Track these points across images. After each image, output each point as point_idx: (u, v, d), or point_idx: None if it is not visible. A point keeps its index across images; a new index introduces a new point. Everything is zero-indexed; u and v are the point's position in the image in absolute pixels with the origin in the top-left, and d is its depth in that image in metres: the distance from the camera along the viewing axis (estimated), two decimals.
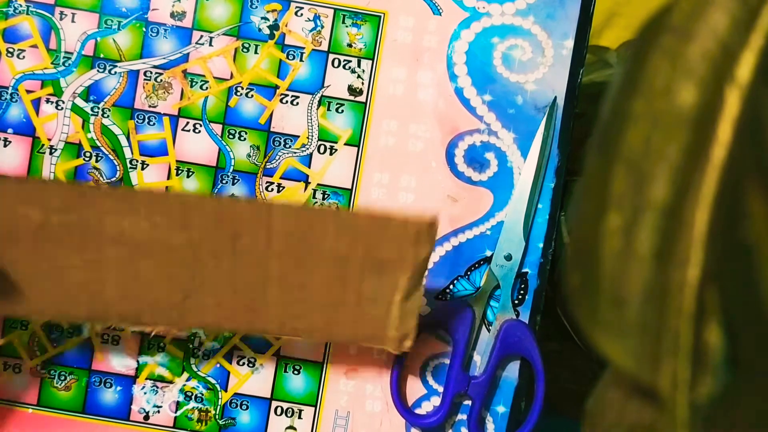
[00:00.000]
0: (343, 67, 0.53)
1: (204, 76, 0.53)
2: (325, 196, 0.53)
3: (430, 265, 0.54)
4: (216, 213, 0.47)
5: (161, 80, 0.53)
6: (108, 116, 0.53)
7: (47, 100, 0.53)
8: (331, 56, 0.53)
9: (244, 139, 0.53)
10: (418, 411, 0.54)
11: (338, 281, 0.48)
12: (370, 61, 0.53)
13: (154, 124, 0.53)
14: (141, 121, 0.53)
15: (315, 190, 0.53)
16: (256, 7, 0.53)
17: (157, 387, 0.53)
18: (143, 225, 0.46)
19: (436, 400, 0.54)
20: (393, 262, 0.48)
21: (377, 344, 0.50)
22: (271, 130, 0.53)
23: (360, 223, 0.48)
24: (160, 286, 0.48)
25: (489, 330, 0.53)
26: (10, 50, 0.53)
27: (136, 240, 0.47)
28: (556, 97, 0.53)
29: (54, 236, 0.47)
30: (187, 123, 0.53)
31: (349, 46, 0.53)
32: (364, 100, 0.53)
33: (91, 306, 0.48)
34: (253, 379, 0.53)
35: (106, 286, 0.48)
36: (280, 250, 0.47)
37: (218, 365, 0.53)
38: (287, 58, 0.53)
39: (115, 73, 0.53)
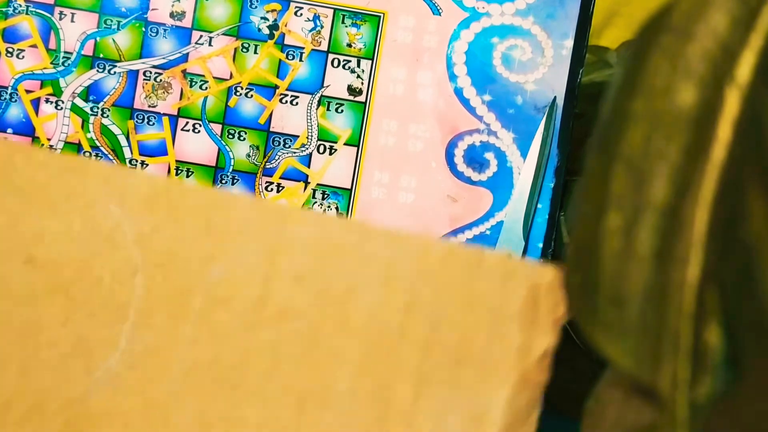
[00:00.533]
0: (343, 67, 0.53)
1: (203, 76, 0.53)
2: (325, 196, 0.53)
3: None
4: (197, 208, 0.32)
5: (161, 80, 0.53)
6: (107, 116, 0.53)
7: (47, 100, 0.53)
8: (331, 56, 0.53)
9: (244, 139, 0.53)
10: None
11: (376, 392, 0.29)
12: (370, 61, 0.53)
13: (153, 124, 0.53)
14: (140, 121, 0.53)
15: (315, 190, 0.53)
16: (256, 7, 0.53)
17: None
18: (74, 226, 0.32)
19: None
20: (481, 356, 0.29)
21: None
22: (271, 130, 0.53)
23: (430, 261, 0.30)
24: (57, 358, 0.31)
25: None
26: (10, 50, 0.53)
27: (50, 257, 0.32)
28: (555, 97, 0.53)
29: None
30: (187, 123, 0.53)
31: (349, 46, 0.53)
32: (363, 100, 0.53)
33: None
34: None
35: None
36: (283, 306, 0.30)
37: None
38: (287, 58, 0.53)
39: (115, 73, 0.53)
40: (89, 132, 0.53)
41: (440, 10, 0.53)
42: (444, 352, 0.29)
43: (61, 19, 0.53)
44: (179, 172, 0.53)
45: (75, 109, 0.53)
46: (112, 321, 0.30)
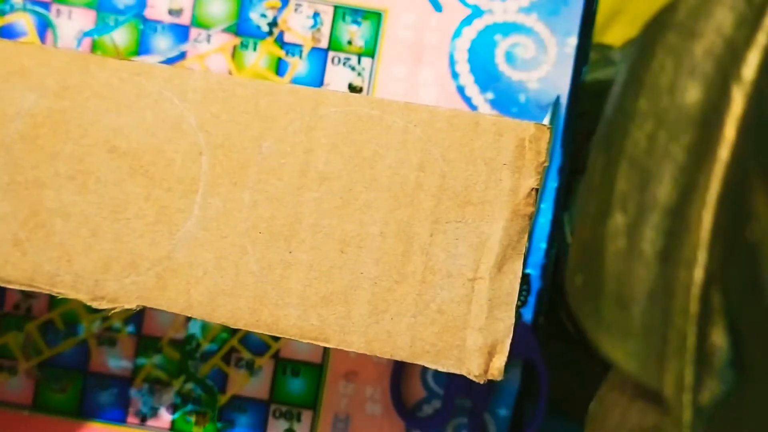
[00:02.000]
0: (343, 64, 0.52)
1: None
2: None
3: None
4: (246, 99, 0.39)
5: None
6: None
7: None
8: (331, 54, 0.52)
9: None
10: (418, 414, 0.53)
11: (400, 233, 0.37)
12: (371, 59, 0.52)
13: None
14: None
15: None
16: (255, 3, 0.52)
17: (154, 389, 0.53)
18: (146, 117, 0.39)
19: (436, 403, 0.53)
20: (481, 197, 0.37)
21: (448, 363, 0.37)
22: None
23: (437, 127, 0.37)
24: (144, 227, 0.39)
25: None
26: None
27: (130, 145, 0.39)
28: (559, 96, 0.53)
29: (28, 131, 0.39)
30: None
31: (349, 43, 0.52)
32: None
33: (41, 254, 0.39)
34: (252, 381, 0.53)
35: (72, 222, 0.39)
36: (323, 172, 0.38)
37: (216, 367, 0.53)
38: (286, 55, 0.52)
39: None
40: None
41: (442, 7, 0.53)
42: (452, 197, 0.37)
43: (58, 16, 0.52)
44: None
45: None
46: (186, 193, 0.38)
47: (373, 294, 0.37)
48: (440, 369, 0.38)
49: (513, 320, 0.37)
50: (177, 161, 0.38)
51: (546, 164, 0.37)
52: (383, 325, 0.37)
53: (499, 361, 0.37)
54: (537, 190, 0.37)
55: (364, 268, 0.38)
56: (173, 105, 0.38)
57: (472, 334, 0.37)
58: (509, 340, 0.37)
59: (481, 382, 0.37)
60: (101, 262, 0.39)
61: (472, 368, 0.37)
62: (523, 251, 0.37)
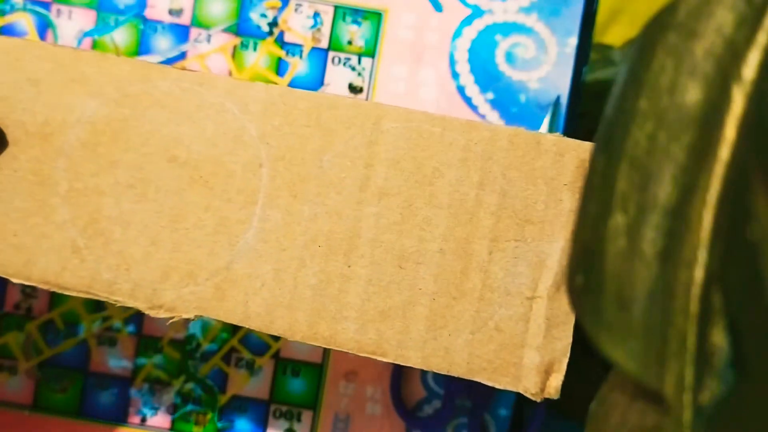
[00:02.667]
0: (343, 64, 0.52)
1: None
2: None
3: None
4: (308, 113, 0.39)
5: None
6: None
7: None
8: (331, 54, 0.52)
9: None
10: (418, 414, 0.53)
11: (459, 250, 0.37)
12: (371, 59, 0.52)
13: None
14: None
15: None
16: (255, 3, 0.52)
17: (154, 389, 0.53)
18: (207, 129, 0.39)
19: (437, 403, 0.53)
20: (540, 216, 0.37)
21: (504, 381, 0.37)
22: None
23: (498, 145, 0.38)
24: (203, 237, 0.39)
25: None
26: None
27: (190, 156, 0.39)
28: (559, 96, 0.53)
29: (88, 139, 0.39)
30: None
31: (350, 43, 0.52)
32: (364, 98, 0.53)
33: (100, 262, 0.39)
34: (252, 381, 0.53)
35: (131, 230, 0.39)
36: (382, 187, 0.38)
37: (216, 367, 0.53)
38: (286, 55, 0.52)
39: None
40: None
41: (442, 7, 0.53)
42: (512, 216, 0.37)
43: (58, 16, 0.52)
44: None
45: None
46: (245, 204, 0.38)
47: (431, 310, 0.37)
48: (497, 386, 0.38)
49: (570, 339, 0.37)
50: (237, 172, 0.38)
51: None
52: (441, 342, 0.37)
53: (557, 380, 0.37)
54: None
55: (423, 284, 0.37)
56: (234, 116, 0.38)
57: (530, 352, 0.37)
58: (566, 359, 0.37)
59: (538, 401, 0.38)
60: (160, 271, 0.39)
61: (529, 386, 0.37)
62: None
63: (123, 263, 0.39)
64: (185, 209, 0.38)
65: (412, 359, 0.37)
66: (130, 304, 0.39)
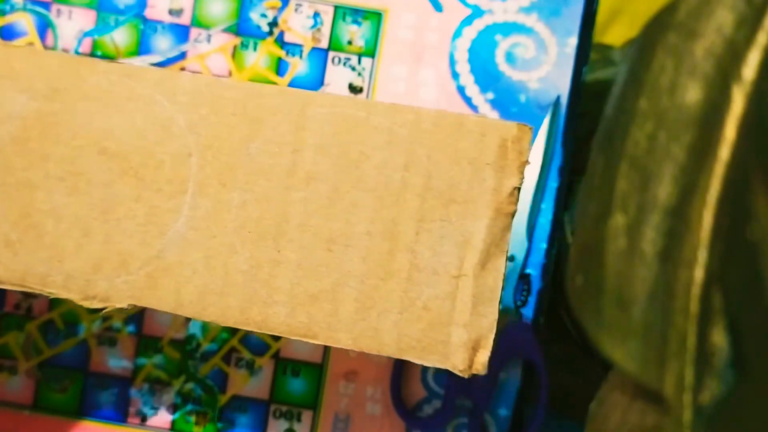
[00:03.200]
0: (344, 64, 0.52)
1: (202, 73, 0.52)
2: None
3: None
4: (234, 101, 0.39)
5: None
6: None
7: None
8: (331, 54, 0.52)
9: None
10: (418, 414, 0.53)
11: (385, 232, 0.38)
12: (371, 59, 0.52)
13: None
14: None
15: None
16: (255, 3, 0.52)
17: (154, 389, 0.53)
18: (136, 120, 0.39)
19: (437, 403, 0.53)
20: (465, 196, 0.37)
21: (433, 359, 0.38)
22: None
23: (422, 128, 0.38)
24: (134, 227, 0.39)
25: None
26: None
27: (120, 147, 0.39)
28: (559, 96, 0.53)
29: (18, 133, 0.40)
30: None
31: (350, 43, 0.52)
32: (364, 98, 0.52)
33: (32, 255, 0.39)
34: (252, 381, 0.53)
35: (63, 223, 0.39)
36: (310, 172, 0.38)
37: (216, 367, 0.53)
38: (286, 55, 0.52)
39: None
40: None
41: (442, 7, 0.53)
42: (437, 196, 0.37)
43: (58, 16, 0.52)
44: None
45: None
46: (175, 194, 0.39)
47: (359, 292, 0.38)
48: (426, 364, 0.38)
49: (496, 316, 0.37)
50: (166, 163, 0.39)
51: (528, 163, 0.38)
52: (370, 322, 0.38)
53: (483, 356, 0.37)
54: (519, 188, 0.38)
55: (351, 266, 0.38)
56: (163, 107, 0.39)
57: (457, 330, 0.37)
58: (493, 336, 0.37)
59: (466, 377, 0.38)
60: (92, 262, 0.39)
61: (457, 363, 0.37)
62: (507, 249, 0.38)
63: (56, 255, 0.39)
64: (116, 200, 0.39)
65: (343, 340, 0.38)
66: (64, 295, 0.39)
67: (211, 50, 0.52)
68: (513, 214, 0.38)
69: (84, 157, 0.39)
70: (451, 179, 0.37)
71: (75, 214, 0.39)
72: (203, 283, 0.39)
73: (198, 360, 0.53)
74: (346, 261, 0.38)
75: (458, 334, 0.37)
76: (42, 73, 0.39)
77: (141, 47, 0.52)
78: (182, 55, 0.52)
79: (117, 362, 0.53)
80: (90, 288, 0.39)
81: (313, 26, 0.52)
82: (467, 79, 0.53)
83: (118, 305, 0.39)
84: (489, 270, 0.37)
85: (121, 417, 0.53)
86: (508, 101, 0.53)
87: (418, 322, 0.37)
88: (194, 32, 0.52)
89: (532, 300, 0.53)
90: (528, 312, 0.53)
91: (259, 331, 0.39)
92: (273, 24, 0.52)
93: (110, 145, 0.39)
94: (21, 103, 0.39)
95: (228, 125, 0.39)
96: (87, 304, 0.39)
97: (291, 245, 0.38)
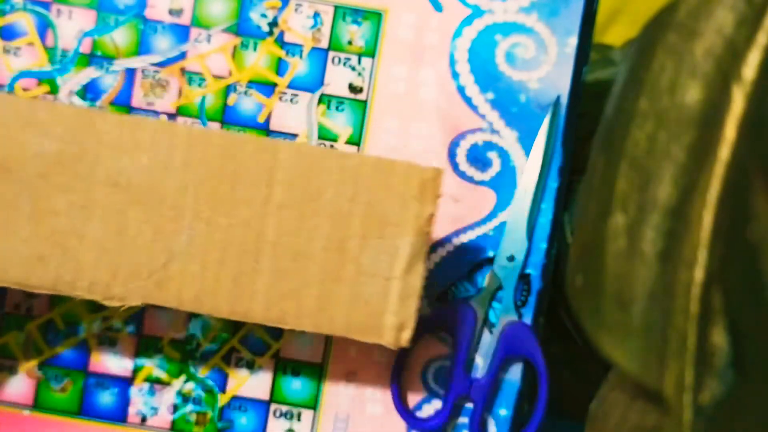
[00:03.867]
0: (344, 64, 0.52)
1: (202, 73, 0.52)
2: None
3: (431, 266, 0.53)
4: (221, 147, 0.48)
5: (159, 78, 0.53)
6: None
7: (43, 99, 0.53)
8: (331, 54, 0.52)
9: None
10: (419, 414, 0.53)
11: (337, 247, 0.48)
12: (371, 59, 0.52)
13: None
14: None
15: None
16: (255, 3, 0.52)
17: (155, 389, 0.53)
18: (142, 161, 0.48)
19: (437, 403, 0.53)
20: (395, 220, 0.48)
21: (372, 337, 0.48)
22: (271, 128, 0.53)
23: (364, 170, 0.48)
24: (144, 244, 0.48)
25: (491, 332, 0.53)
26: (7, 48, 0.53)
27: (130, 182, 0.48)
28: (559, 96, 0.53)
29: (45, 170, 0.48)
30: (185, 121, 0.53)
31: (350, 43, 0.52)
32: (364, 99, 0.53)
33: (61, 267, 0.48)
34: (252, 381, 0.53)
35: (85, 241, 0.48)
36: (280, 202, 0.48)
37: (216, 367, 0.53)
38: (286, 55, 0.52)
39: (112, 71, 0.52)
40: None
41: (442, 7, 0.53)
42: (375, 220, 0.48)
43: (58, 16, 0.52)
44: None
45: None
46: (176, 218, 0.48)
47: (319, 291, 0.48)
48: (367, 341, 0.48)
49: (417, 306, 0.48)
50: (168, 194, 0.47)
51: (441, 196, 0.48)
52: (327, 312, 0.48)
53: (407, 333, 0.48)
54: (433, 214, 0.47)
55: (312, 273, 0.48)
56: (166, 150, 0.47)
57: (389, 317, 0.48)
58: (413, 320, 0.48)
59: (394, 349, 0.49)
60: (110, 272, 0.48)
61: (389, 340, 0.48)
62: (425, 258, 0.48)
63: (80, 268, 0.48)
64: (128, 224, 0.48)
65: (306, 326, 0.48)
66: (88, 297, 0.48)
67: (211, 50, 0.52)
68: (430, 233, 0.48)
69: (99, 190, 0.47)
70: (385, 208, 0.48)
71: (94, 235, 0.48)
72: (200, 287, 0.48)
73: (198, 360, 0.53)
74: (308, 269, 0.48)
75: (390, 320, 0.48)
76: (62, 120, 0.47)
77: (141, 47, 0.52)
78: (182, 55, 0.52)
79: (117, 362, 0.53)
80: (109, 291, 0.48)
81: (313, 26, 0.52)
82: (467, 79, 0.53)
83: (133, 304, 0.48)
84: (412, 274, 0.48)
85: (120, 417, 0.53)
86: (508, 101, 0.53)
87: (361, 311, 0.48)
88: (194, 32, 0.52)
89: (532, 300, 0.53)
90: (528, 312, 0.53)
91: (243, 320, 0.48)
92: (273, 24, 0.52)
93: (121, 179, 0.47)
94: (45, 146, 0.47)
95: (216, 165, 0.47)
96: (107, 302, 0.48)
97: (266, 258, 0.48)
